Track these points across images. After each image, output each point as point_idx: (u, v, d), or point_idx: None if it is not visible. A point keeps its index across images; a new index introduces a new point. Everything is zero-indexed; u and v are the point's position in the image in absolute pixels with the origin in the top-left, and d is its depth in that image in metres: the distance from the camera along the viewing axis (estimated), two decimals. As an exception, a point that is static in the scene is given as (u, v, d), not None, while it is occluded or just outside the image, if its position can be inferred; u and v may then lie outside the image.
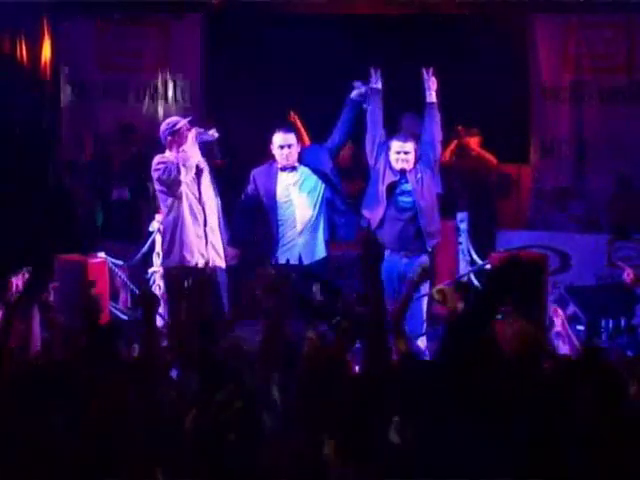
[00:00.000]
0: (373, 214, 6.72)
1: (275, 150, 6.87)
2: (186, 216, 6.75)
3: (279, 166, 6.88)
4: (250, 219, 6.95)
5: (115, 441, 3.49)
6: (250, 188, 6.93)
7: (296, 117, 8.72)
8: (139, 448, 3.47)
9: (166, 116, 9.21)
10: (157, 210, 7.45)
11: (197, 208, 6.80)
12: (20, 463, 3.40)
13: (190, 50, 9.27)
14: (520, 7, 9.04)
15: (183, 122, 6.75)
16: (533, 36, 9.13)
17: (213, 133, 6.72)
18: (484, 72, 9.11)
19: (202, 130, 6.69)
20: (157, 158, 6.70)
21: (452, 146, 9.32)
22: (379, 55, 9.35)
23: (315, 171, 6.85)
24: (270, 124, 8.99)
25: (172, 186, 6.65)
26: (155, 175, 6.66)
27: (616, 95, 9.05)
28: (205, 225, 6.84)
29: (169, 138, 6.69)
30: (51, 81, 9.27)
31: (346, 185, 7.98)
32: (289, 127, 7.11)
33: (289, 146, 6.82)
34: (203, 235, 6.82)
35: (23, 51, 9.10)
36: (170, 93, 9.30)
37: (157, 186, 6.73)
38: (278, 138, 6.86)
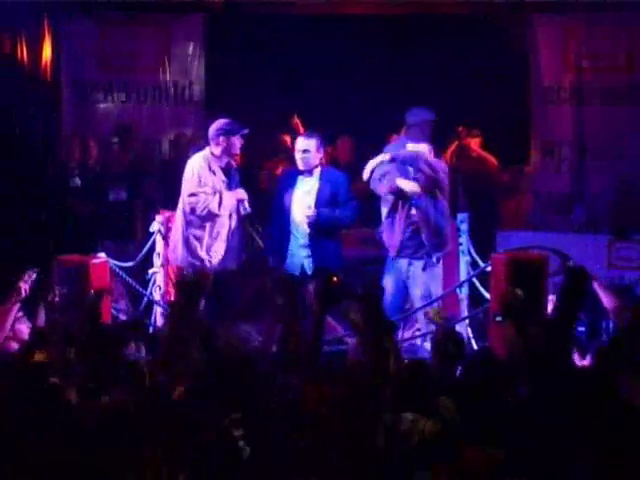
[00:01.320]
0: (391, 243, 6.88)
1: (296, 154, 7.03)
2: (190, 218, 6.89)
3: (300, 169, 7.04)
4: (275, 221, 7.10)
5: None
6: (275, 190, 7.15)
7: (299, 122, 8.76)
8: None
9: (167, 116, 9.28)
10: (157, 211, 7.47)
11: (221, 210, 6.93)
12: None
13: (191, 51, 9.27)
14: (521, 7, 9.03)
15: (240, 132, 6.89)
16: (534, 37, 9.12)
17: (247, 207, 6.89)
18: (485, 73, 9.13)
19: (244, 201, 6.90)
20: (193, 183, 6.83)
21: (453, 147, 9.33)
22: (380, 56, 9.40)
23: (332, 190, 6.97)
24: (271, 125, 9.05)
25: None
26: (188, 207, 6.83)
27: (617, 96, 9.04)
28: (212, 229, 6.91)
29: (222, 138, 6.85)
30: (51, 81, 9.26)
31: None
32: (311, 132, 7.18)
33: (304, 151, 6.95)
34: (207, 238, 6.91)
35: (24, 51, 9.10)
36: (171, 93, 9.29)
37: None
38: (298, 143, 7.04)
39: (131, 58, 9.27)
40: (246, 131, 6.93)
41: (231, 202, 6.87)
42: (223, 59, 9.39)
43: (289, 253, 6.98)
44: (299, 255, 6.96)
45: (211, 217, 6.85)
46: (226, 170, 6.96)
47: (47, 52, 9.21)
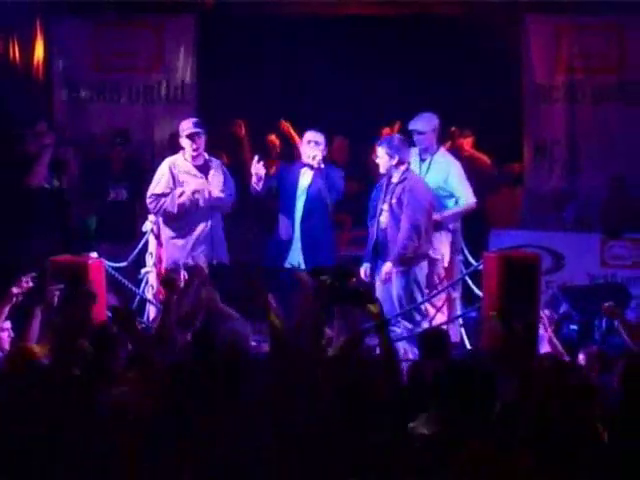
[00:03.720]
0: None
1: (303, 146, 7.13)
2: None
3: (304, 162, 7.13)
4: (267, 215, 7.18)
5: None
6: (274, 182, 7.16)
7: (288, 125, 8.77)
8: None
9: (160, 116, 9.27)
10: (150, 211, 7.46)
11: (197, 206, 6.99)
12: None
13: (184, 50, 9.26)
14: (513, 7, 9.04)
15: (199, 130, 7.00)
16: (526, 36, 9.14)
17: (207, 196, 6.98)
18: (477, 72, 9.14)
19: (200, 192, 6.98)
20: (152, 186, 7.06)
21: (446, 147, 9.33)
22: (373, 55, 9.40)
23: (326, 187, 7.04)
24: (265, 125, 9.05)
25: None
26: (149, 207, 7.04)
27: (608, 95, 9.07)
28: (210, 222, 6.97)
29: (187, 140, 7.00)
30: (44, 81, 9.24)
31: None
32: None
33: (316, 143, 7.05)
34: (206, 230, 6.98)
35: (16, 51, 9.08)
36: (163, 93, 9.28)
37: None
38: (309, 134, 7.12)
39: (123, 58, 9.25)
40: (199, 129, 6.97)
41: (186, 197, 6.93)
42: (216, 59, 9.39)
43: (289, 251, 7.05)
44: (295, 255, 7.00)
45: (174, 217, 6.95)
46: (202, 168, 7.04)
47: (39, 52, 9.19)
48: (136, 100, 9.28)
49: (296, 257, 7.04)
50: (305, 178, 7.13)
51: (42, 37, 9.14)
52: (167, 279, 5.77)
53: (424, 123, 7.28)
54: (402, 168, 6.84)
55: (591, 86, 9.09)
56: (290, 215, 7.12)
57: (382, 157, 6.86)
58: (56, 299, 5.83)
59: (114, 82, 9.29)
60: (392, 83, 9.33)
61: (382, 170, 6.92)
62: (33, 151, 7.85)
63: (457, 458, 3.20)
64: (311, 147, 7.06)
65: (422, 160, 7.27)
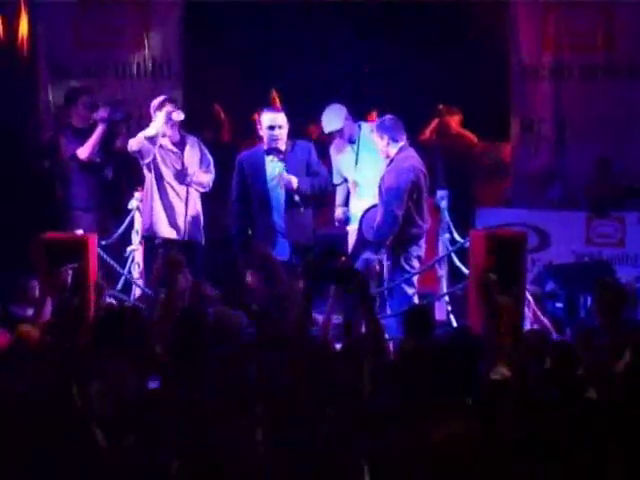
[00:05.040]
0: None
1: (263, 130, 6.69)
2: (158, 188, 6.95)
3: (265, 148, 6.72)
4: (245, 206, 6.81)
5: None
6: (239, 174, 6.80)
7: (277, 96, 8.70)
8: None
9: (146, 93, 9.19)
10: (136, 188, 7.43)
11: (173, 181, 6.94)
12: None
13: (170, 27, 9.18)
14: (500, -15, 9.02)
15: (163, 98, 7.04)
16: (513, 14, 9.10)
17: (179, 114, 6.97)
18: (464, 51, 9.11)
19: (172, 109, 6.98)
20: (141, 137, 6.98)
21: (433, 125, 9.35)
22: (358, 37, 9.36)
23: (303, 162, 6.78)
24: (250, 101, 9.01)
25: (143, 157, 6.93)
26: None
27: (595, 73, 9.05)
28: (187, 199, 6.91)
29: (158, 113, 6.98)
30: (29, 59, 9.16)
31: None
32: (274, 107, 7.10)
33: (280, 127, 6.65)
34: (183, 207, 6.91)
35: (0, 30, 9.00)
36: (149, 70, 9.22)
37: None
38: (267, 118, 6.68)
39: (109, 35, 9.17)
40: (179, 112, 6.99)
41: (160, 121, 6.91)
42: (202, 36, 9.33)
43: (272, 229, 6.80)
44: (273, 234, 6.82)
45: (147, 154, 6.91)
46: (178, 144, 7.03)
47: (24, 30, 9.10)
48: (122, 77, 9.21)
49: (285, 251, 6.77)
50: (271, 166, 6.75)
51: (26, 15, 9.05)
52: (172, 260, 5.74)
53: (335, 121, 7.20)
54: (394, 148, 6.74)
55: (578, 64, 9.06)
56: (265, 202, 6.78)
57: (377, 141, 6.80)
58: (70, 279, 5.79)
59: (99, 59, 9.21)
60: (378, 65, 9.31)
61: (383, 155, 6.82)
62: (81, 125, 7.77)
63: (439, 437, 3.19)
64: (272, 132, 6.64)
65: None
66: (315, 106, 7.71)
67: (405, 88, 9.01)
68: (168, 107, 6.98)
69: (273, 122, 6.67)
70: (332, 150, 7.46)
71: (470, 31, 9.05)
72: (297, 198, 6.70)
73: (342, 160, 7.36)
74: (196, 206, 7.08)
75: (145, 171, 7.05)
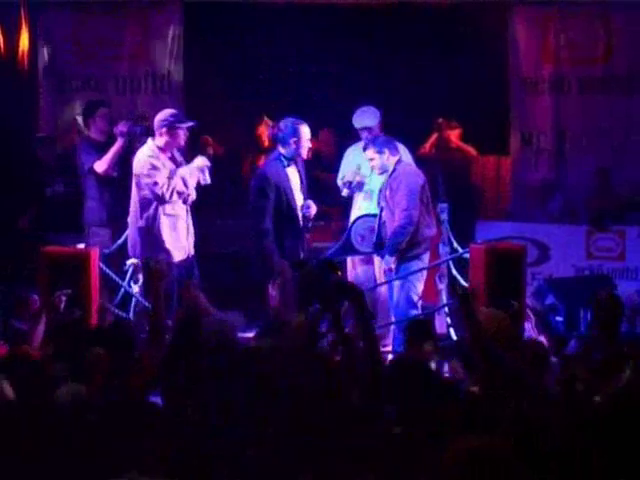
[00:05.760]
0: None
1: (304, 142, 6.82)
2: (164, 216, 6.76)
3: (304, 158, 6.92)
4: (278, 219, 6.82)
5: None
6: (267, 186, 6.77)
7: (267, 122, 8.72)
8: None
9: (146, 106, 9.19)
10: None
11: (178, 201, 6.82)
12: None
13: (169, 40, 9.19)
14: (499, -2, 9.06)
15: (186, 125, 6.74)
16: (512, 27, 9.13)
17: (207, 177, 6.76)
18: (464, 64, 9.13)
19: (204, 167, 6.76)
20: (148, 161, 6.68)
21: (433, 139, 9.36)
22: (358, 46, 9.38)
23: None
24: (249, 114, 9.03)
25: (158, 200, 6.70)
26: (144, 181, 6.67)
27: (595, 86, 9.07)
28: (186, 220, 6.86)
29: (164, 130, 6.69)
30: (29, 72, 9.18)
31: (328, 177, 8.03)
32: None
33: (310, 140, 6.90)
34: (185, 225, 6.86)
35: (0, 42, 9.01)
36: (150, 83, 9.23)
37: (139, 183, 6.73)
38: (307, 131, 6.83)
39: (109, 48, 9.18)
40: (191, 124, 6.77)
41: (195, 176, 6.72)
42: (202, 48, 9.35)
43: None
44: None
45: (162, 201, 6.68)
46: (173, 161, 6.81)
47: (24, 43, 9.12)
48: (122, 90, 9.22)
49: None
50: (294, 171, 6.91)
51: (27, 27, 9.07)
52: (154, 269, 5.60)
53: (370, 118, 7.27)
54: (393, 160, 6.92)
55: (577, 77, 9.09)
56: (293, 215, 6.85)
57: (374, 158, 6.93)
58: (62, 305, 5.78)
59: (99, 72, 9.22)
60: (378, 74, 9.33)
61: (378, 171, 6.94)
62: (99, 138, 7.61)
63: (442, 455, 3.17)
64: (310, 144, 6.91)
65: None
66: (316, 118, 7.74)
67: (405, 102, 9.02)
68: (202, 161, 6.79)
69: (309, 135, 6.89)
70: (350, 149, 7.52)
71: (469, 45, 9.07)
72: (310, 224, 6.93)
73: (357, 160, 7.36)
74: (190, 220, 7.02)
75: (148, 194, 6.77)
